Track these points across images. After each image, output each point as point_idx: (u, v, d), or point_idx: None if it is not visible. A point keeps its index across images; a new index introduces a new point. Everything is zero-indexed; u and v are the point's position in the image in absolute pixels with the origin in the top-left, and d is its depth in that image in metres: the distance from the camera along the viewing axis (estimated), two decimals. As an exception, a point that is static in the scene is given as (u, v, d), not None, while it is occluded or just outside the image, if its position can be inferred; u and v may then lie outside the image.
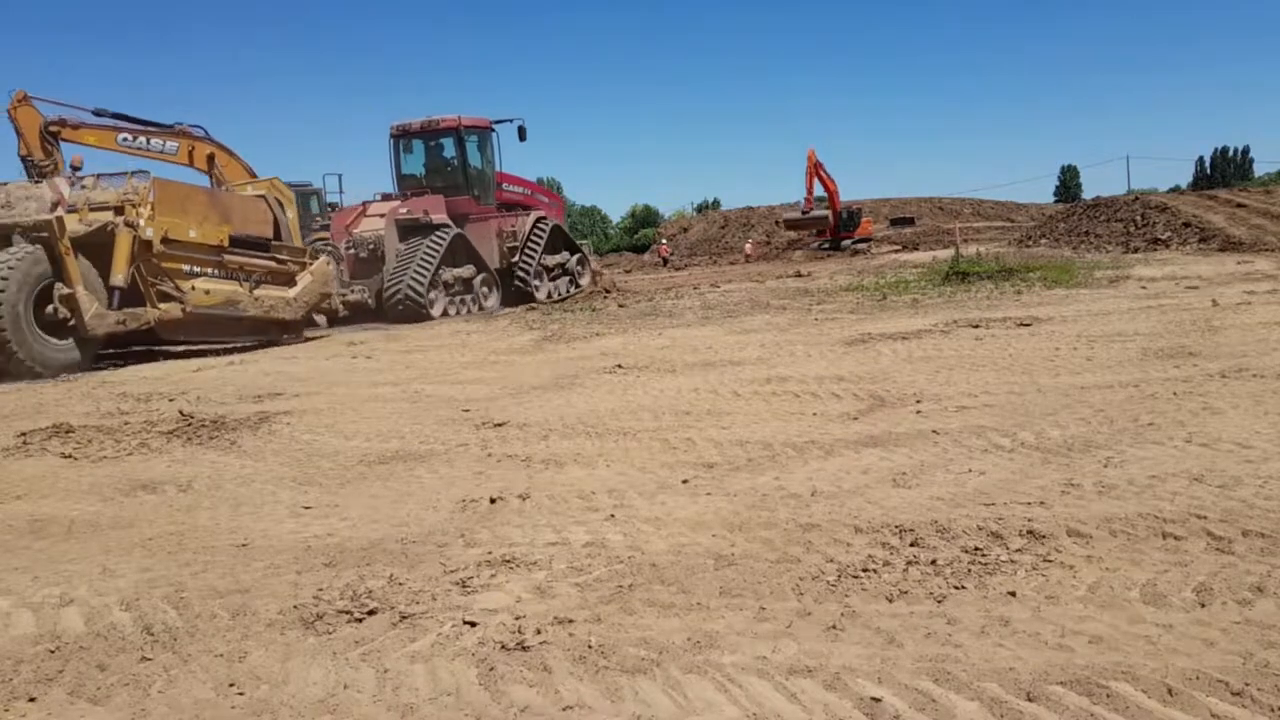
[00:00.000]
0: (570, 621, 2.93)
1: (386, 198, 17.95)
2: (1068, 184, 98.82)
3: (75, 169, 13.06)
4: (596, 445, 5.46)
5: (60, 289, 11.18)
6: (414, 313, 16.10)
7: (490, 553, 3.64)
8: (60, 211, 11.37)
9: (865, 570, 3.20)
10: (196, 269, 12.68)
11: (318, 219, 21.51)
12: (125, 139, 22.84)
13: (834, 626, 2.78)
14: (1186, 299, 11.02)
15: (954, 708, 2.28)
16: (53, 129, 21.66)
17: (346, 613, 3.12)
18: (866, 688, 2.40)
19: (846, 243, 34.57)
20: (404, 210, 16.90)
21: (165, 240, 12.04)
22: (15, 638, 3.12)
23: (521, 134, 19.38)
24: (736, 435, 5.43)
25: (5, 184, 12.62)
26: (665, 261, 40.42)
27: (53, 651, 2.98)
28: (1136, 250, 21.81)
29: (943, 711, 2.27)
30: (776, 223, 47.03)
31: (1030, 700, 2.29)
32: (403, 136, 18.82)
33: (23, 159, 21.31)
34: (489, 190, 19.08)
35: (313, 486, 4.98)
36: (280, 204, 15.02)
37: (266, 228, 14.23)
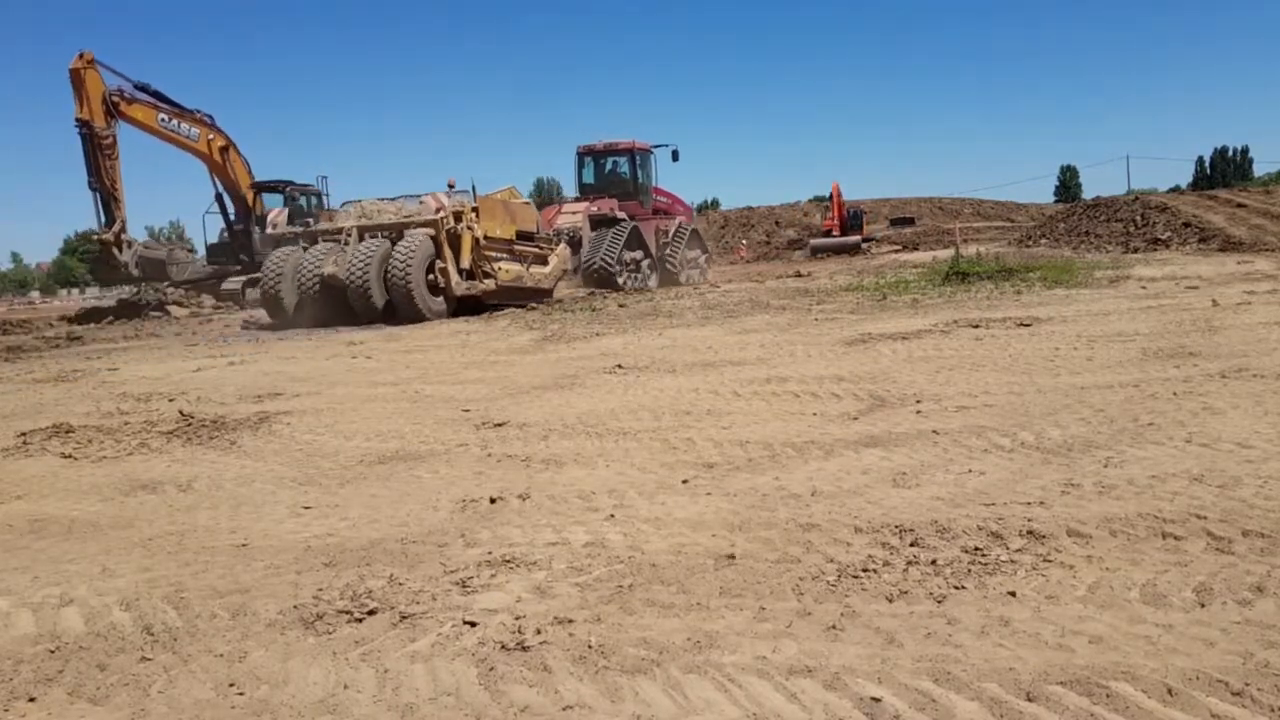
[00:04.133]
0: (570, 621, 2.93)
1: (576, 200, 23.70)
2: (1068, 184, 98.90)
3: (451, 187, 18.24)
4: (596, 445, 5.46)
5: (438, 264, 16.56)
6: (606, 279, 20.88)
7: (490, 553, 3.64)
8: (442, 215, 16.77)
9: (865, 570, 3.20)
10: (500, 255, 17.95)
11: (324, 213, 21.76)
12: (163, 119, 23.36)
13: (834, 626, 2.78)
14: (1186, 299, 11.02)
15: (954, 708, 2.28)
16: (114, 99, 21.87)
17: (346, 613, 3.12)
18: (866, 688, 2.40)
19: (849, 239, 35.85)
20: (594, 209, 22.32)
21: (486, 237, 17.39)
22: (15, 638, 3.12)
23: (675, 156, 24.87)
24: (736, 435, 5.42)
25: (360, 201, 18.46)
26: None
27: (53, 651, 2.98)
28: (1136, 250, 21.82)
29: (943, 711, 2.27)
30: (778, 224, 47.06)
31: (1030, 700, 2.29)
32: (587, 154, 24.47)
33: (81, 124, 21.29)
34: (649, 198, 24.50)
35: (313, 486, 4.98)
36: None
37: (533, 225, 19.50)
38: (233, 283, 25.70)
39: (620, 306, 16.37)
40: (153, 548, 4.05)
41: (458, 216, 16.83)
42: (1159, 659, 2.44)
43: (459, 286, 16.83)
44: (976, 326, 9.56)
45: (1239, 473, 3.98)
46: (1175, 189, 70.64)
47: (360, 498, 4.69)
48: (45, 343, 17.18)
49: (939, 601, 2.90)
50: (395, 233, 16.93)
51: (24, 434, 6.81)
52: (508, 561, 3.51)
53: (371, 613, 3.11)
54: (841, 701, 2.35)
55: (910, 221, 51.69)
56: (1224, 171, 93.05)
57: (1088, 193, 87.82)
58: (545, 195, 77.72)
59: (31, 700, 2.66)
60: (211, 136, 24.43)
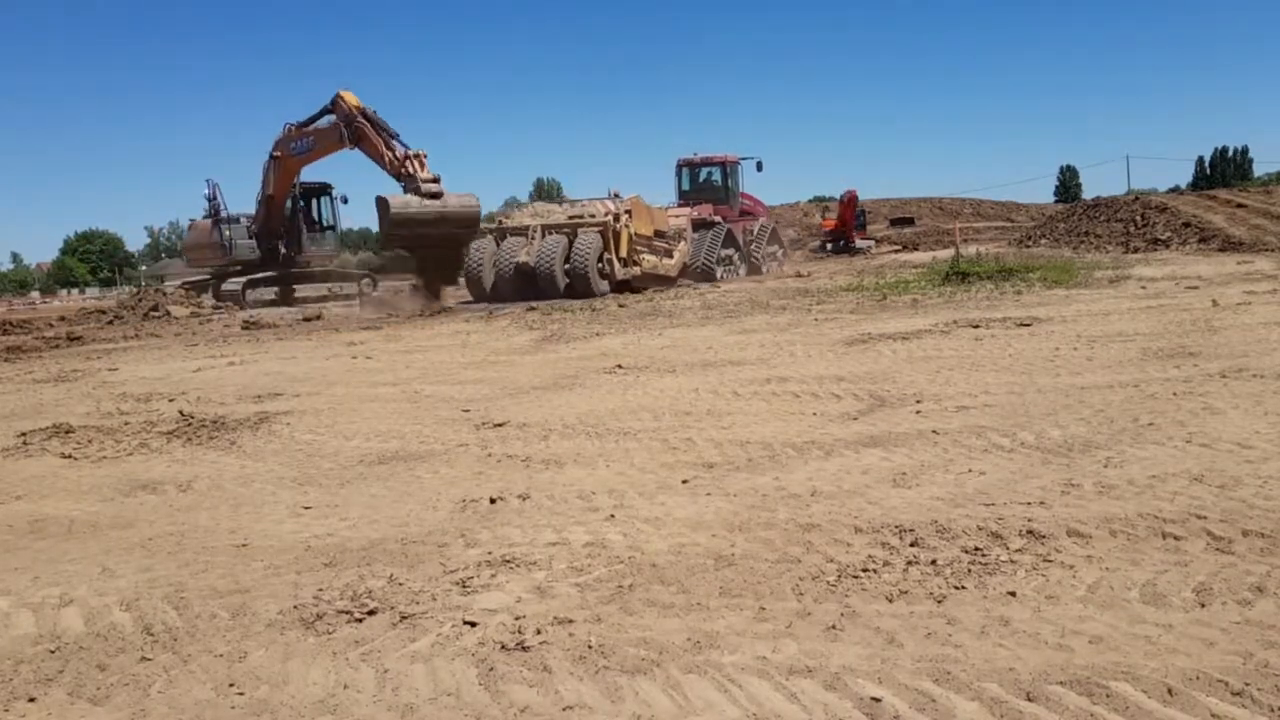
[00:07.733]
0: (570, 621, 2.93)
1: (679, 206, 27.06)
2: (1068, 184, 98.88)
3: (616, 196, 22.27)
4: (596, 445, 5.46)
5: (606, 255, 20.66)
6: (707, 275, 24.27)
7: (490, 553, 3.64)
8: (609, 217, 20.91)
9: (865, 570, 3.20)
10: (643, 250, 21.99)
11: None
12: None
13: (834, 626, 2.78)
14: (1186, 299, 11.03)
15: (954, 708, 2.28)
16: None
17: (346, 613, 3.12)
18: (866, 688, 2.40)
19: (860, 243, 36.56)
20: (695, 213, 25.91)
21: (636, 234, 21.62)
22: (15, 638, 3.12)
23: (759, 167, 29.37)
24: (736, 435, 5.42)
25: (533, 204, 23.53)
26: None
27: (53, 651, 2.98)
28: (1136, 250, 21.83)
29: (943, 711, 2.27)
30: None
31: (1030, 700, 2.29)
32: (685, 165, 28.45)
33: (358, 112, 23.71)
34: (737, 203, 28.42)
35: (313, 486, 4.98)
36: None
37: (665, 225, 23.60)
38: (234, 283, 25.84)
39: (620, 306, 16.38)
40: (153, 548, 4.05)
41: (617, 218, 21.03)
42: (1159, 659, 2.44)
43: (620, 273, 21.02)
44: (976, 327, 9.56)
45: (1239, 473, 3.98)
46: (1175, 189, 70.56)
47: (360, 498, 4.69)
48: (45, 343, 17.18)
49: (939, 601, 2.90)
50: (571, 230, 21.06)
51: (24, 434, 6.81)
52: (508, 561, 3.51)
53: (371, 613, 3.11)
54: (841, 701, 2.35)
55: (910, 221, 51.70)
56: (1224, 171, 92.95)
57: (1088, 193, 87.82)
58: (546, 195, 79.19)
59: (31, 700, 2.66)
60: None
